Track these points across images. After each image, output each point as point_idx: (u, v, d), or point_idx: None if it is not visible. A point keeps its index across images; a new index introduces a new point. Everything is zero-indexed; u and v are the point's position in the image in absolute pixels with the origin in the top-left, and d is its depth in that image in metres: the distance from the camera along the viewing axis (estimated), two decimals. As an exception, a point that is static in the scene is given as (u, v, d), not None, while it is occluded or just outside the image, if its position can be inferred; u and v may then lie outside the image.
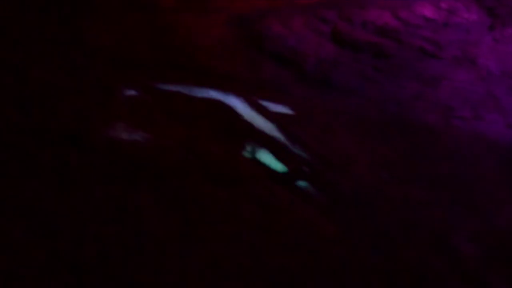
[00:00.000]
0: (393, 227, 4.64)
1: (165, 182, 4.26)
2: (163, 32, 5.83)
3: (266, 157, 4.84)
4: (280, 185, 4.52)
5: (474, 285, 4.26)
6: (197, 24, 6.01)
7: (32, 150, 4.15)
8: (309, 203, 4.41)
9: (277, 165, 4.81)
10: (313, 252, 3.91)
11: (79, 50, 5.42)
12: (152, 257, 3.64)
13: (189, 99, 5.17)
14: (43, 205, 3.72)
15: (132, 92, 5.01)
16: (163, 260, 3.63)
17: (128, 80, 5.16)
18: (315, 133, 5.41)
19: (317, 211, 4.31)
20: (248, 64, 5.86)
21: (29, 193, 3.79)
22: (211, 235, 3.92)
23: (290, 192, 4.47)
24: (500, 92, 6.47)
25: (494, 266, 4.35)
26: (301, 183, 4.69)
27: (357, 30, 6.29)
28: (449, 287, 4.18)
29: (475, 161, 5.74)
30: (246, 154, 4.82)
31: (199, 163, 4.56)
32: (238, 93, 5.37)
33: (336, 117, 5.66)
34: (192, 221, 3.99)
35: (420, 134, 5.89)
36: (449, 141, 5.93)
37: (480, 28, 6.58)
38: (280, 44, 6.08)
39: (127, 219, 3.83)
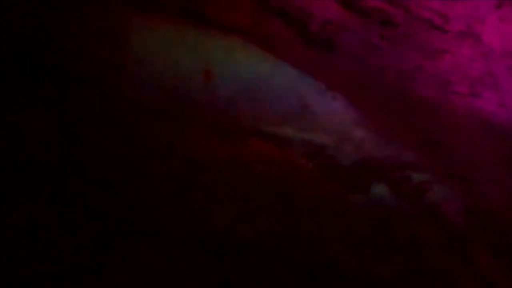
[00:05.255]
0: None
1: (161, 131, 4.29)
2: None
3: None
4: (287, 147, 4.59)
5: (461, 257, 4.37)
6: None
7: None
8: (311, 160, 4.48)
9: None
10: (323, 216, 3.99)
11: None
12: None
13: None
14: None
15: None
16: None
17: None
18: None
19: (321, 170, 4.38)
20: (254, 20, 5.84)
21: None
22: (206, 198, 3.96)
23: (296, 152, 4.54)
24: (499, 71, 6.51)
25: (484, 240, 4.47)
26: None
27: (366, -4, 6.27)
28: (438, 258, 4.29)
29: (469, 137, 5.82)
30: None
31: (199, 114, 4.59)
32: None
33: (337, 80, 5.71)
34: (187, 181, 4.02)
35: (417, 105, 5.94)
36: (445, 115, 5.99)
37: (487, 5, 6.58)
38: (288, 3, 6.05)
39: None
